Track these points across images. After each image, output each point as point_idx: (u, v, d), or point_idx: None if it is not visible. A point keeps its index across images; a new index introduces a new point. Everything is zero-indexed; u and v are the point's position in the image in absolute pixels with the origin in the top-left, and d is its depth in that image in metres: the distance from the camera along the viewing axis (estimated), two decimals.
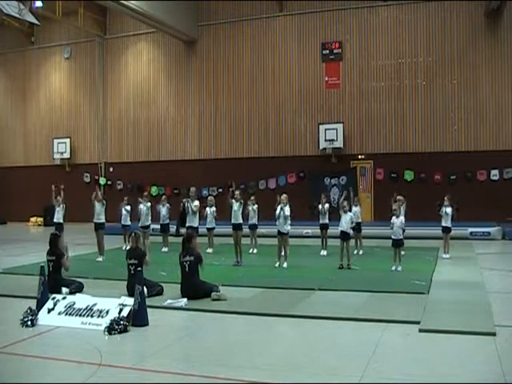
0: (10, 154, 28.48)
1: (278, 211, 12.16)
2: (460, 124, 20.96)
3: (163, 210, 16.08)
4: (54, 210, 14.86)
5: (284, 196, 12.30)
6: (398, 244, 11.62)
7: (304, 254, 14.30)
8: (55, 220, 14.64)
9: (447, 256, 13.44)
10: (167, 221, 16.15)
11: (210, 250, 14.82)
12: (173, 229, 17.50)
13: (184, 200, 15.15)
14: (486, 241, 17.43)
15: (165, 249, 15.61)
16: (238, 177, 23.17)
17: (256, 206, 14.61)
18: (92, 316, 7.54)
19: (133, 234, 9.51)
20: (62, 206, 14.59)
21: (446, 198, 13.71)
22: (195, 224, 14.56)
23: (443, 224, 13.70)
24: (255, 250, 14.99)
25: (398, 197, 13.03)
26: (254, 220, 14.68)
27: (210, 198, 15.69)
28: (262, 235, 16.25)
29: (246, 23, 23.74)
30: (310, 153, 22.63)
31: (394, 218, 11.68)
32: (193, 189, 15.16)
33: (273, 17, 23.36)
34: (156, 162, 25.18)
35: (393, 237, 11.71)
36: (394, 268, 11.52)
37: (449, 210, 13.56)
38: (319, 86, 22.59)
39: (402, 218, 11.69)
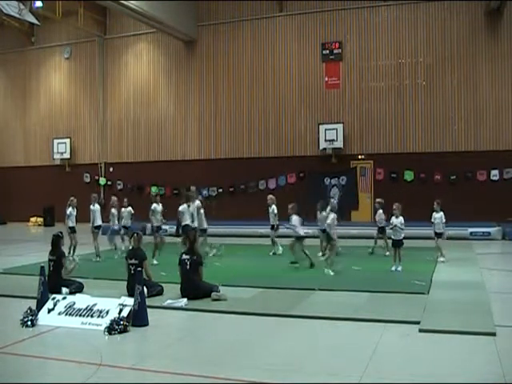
0: (10, 154, 28.48)
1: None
2: (460, 124, 20.96)
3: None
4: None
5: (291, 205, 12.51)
6: (397, 244, 11.64)
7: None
8: (72, 224, 14.28)
9: (443, 259, 12.92)
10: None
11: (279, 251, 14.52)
12: (172, 229, 17.45)
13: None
14: (486, 241, 17.40)
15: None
16: (238, 177, 23.23)
17: (203, 210, 14.25)
18: (92, 316, 7.54)
19: (134, 235, 9.52)
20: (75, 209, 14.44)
21: (435, 203, 13.14)
22: (204, 225, 14.08)
23: (436, 230, 13.05)
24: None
25: (377, 199, 13.16)
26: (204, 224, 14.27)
27: (270, 196, 14.84)
28: (262, 235, 16.27)
29: (246, 23, 23.74)
30: (310, 153, 22.62)
31: (393, 218, 11.70)
32: (193, 188, 14.71)
33: (273, 17, 23.36)
34: (156, 162, 25.18)
35: (392, 237, 11.73)
36: (394, 268, 11.53)
37: (438, 215, 12.98)
38: (319, 86, 22.59)
39: (401, 218, 11.69)
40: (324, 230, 13.45)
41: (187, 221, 13.34)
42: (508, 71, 20.41)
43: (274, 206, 14.51)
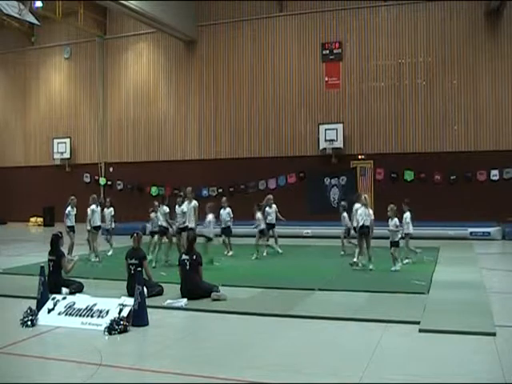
0: (10, 154, 28.49)
1: None
2: (460, 124, 20.96)
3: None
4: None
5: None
6: (394, 245, 11.68)
7: (304, 254, 14.30)
8: (71, 224, 14.05)
9: (406, 261, 12.39)
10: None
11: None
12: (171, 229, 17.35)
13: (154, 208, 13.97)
14: (486, 241, 17.41)
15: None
16: (238, 177, 23.22)
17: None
18: (92, 316, 7.54)
19: (134, 235, 9.48)
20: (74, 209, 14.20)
21: (403, 203, 12.63)
22: (192, 225, 13.98)
23: (406, 231, 12.50)
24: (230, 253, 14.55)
25: (342, 202, 13.19)
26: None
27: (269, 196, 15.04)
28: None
29: (246, 23, 23.73)
30: (309, 153, 22.62)
31: (389, 220, 11.79)
32: (189, 189, 14.48)
33: (273, 17, 23.37)
34: (156, 162, 25.18)
35: (390, 238, 11.80)
36: (393, 268, 11.55)
37: (407, 214, 12.58)
38: (319, 86, 22.59)
39: (395, 220, 11.73)
40: (273, 225, 14.00)
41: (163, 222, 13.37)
42: (508, 71, 20.41)
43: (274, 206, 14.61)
